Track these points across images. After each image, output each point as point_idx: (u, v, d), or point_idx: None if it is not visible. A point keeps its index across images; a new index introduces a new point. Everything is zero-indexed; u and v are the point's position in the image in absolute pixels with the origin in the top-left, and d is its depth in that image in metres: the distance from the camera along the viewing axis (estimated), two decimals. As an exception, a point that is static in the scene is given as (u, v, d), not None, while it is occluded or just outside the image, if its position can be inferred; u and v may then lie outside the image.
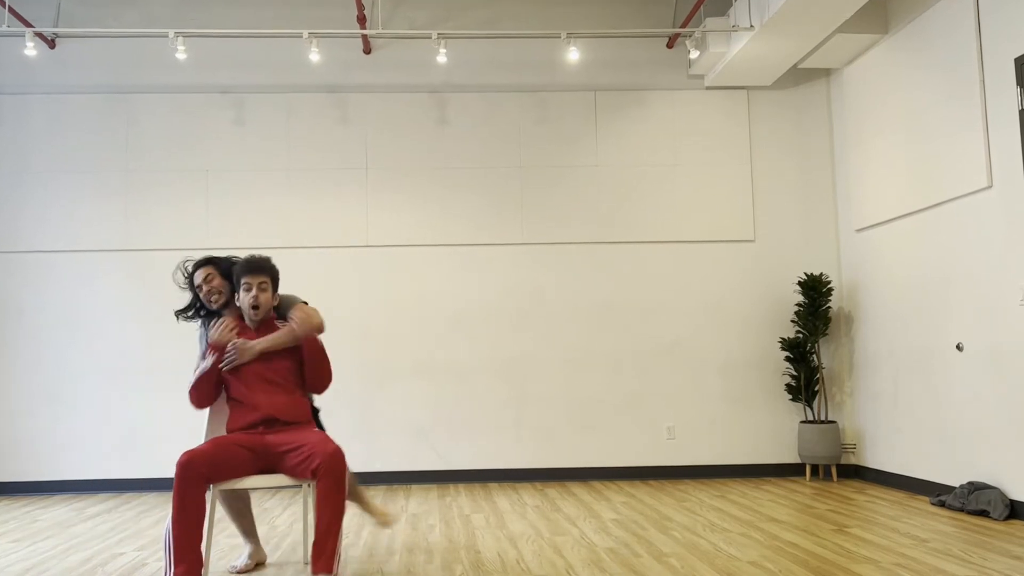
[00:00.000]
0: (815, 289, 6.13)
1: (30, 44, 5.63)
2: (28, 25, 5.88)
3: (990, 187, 4.75)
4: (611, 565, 3.64)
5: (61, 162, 6.32)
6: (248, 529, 3.81)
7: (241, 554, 3.87)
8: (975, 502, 4.64)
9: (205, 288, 3.62)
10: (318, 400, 6.07)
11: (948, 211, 5.13)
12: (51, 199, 6.29)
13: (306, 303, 3.64)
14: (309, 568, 3.15)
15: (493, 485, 6.15)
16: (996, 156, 4.70)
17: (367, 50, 6.45)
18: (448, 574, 3.55)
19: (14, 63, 6.35)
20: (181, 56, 5.67)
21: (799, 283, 6.20)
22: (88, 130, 6.34)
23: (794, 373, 6.32)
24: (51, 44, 6.35)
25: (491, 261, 6.42)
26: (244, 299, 3.50)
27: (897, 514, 4.71)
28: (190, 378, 3.48)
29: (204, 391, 3.44)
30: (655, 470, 6.33)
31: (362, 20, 5.89)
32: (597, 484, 6.13)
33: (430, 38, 6.11)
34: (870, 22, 5.72)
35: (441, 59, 5.82)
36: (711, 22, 6.01)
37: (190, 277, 3.68)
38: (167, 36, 5.85)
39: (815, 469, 6.35)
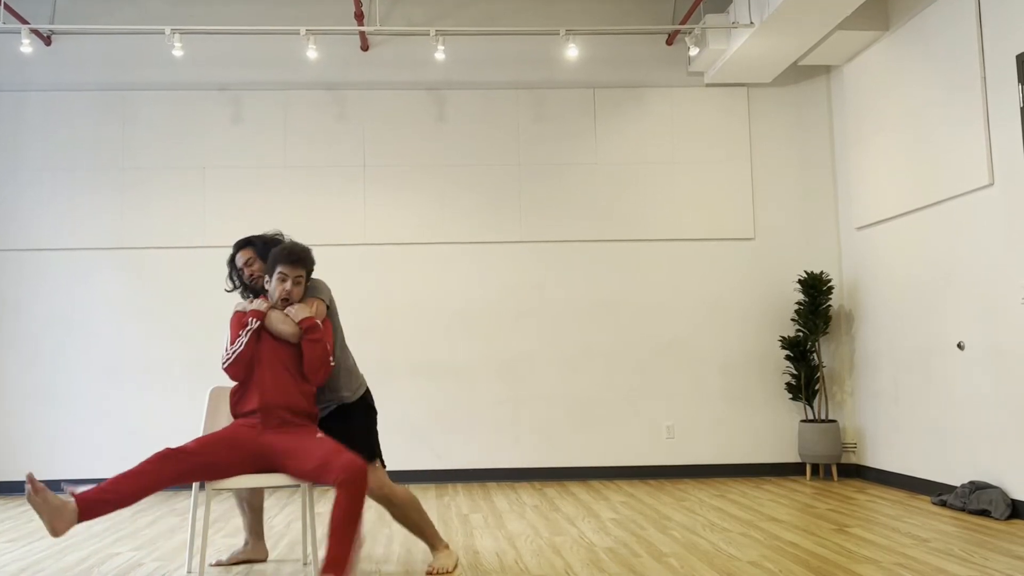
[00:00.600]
0: (815, 287, 6.11)
1: (26, 41, 5.60)
2: (24, 22, 5.85)
3: (991, 185, 4.73)
4: (610, 565, 3.62)
5: (57, 159, 6.29)
6: (254, 526, 3.79)
7: (232, 548, 3.86)
8: (976, 502, 4.62)
9: (247, 272, 3.61)
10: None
11: (949, 209, 5.10)
12: (47, 196, 6.26)
13: (323, 300, 3.54)
14: (319, 566, 3.07)
15: (491, 485, 6.13)
16: (997, 153, 4.68)
17: (365, 47, 6.42)
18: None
19: (10, 60, 6.32)
20: (178, 53, 5.65)
21: (799, 281, 6.18)
22: (84, 127, 6.31)
23: (794, 372, 6.29)
24: (47, 41, 6.32)
25: (489, 259, 6.39)
26: (275, 288, 3.41)
27: (898, 514, 4.69)
28: (226, 354, 3.38)
29: (243, 362, 3.34)
30: (654, 469, 6.31)
31: (359, 17, 5.87)
32: (596, 483, 6.10)
33: (428, 35, 6.08)
34: (871, 19, 5.69)
35: (439, 56, 5.79)
36: (711, 19, 5.98)
37: (232, 256, 3.66)
38: (163, 33, 5.82)
39: (815, 468, 6.32)
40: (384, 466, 3.58)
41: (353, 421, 3.55)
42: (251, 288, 3.66)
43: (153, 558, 3.92)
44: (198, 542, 4.06)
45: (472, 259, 6.39)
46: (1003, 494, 4.55)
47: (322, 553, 3.18)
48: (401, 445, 6.24)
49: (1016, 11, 4.51)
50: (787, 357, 6.22)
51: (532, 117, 6.49)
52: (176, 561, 3.86)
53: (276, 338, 3.39)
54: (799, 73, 6.59)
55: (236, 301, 3.86)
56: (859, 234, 6.17)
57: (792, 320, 6.31)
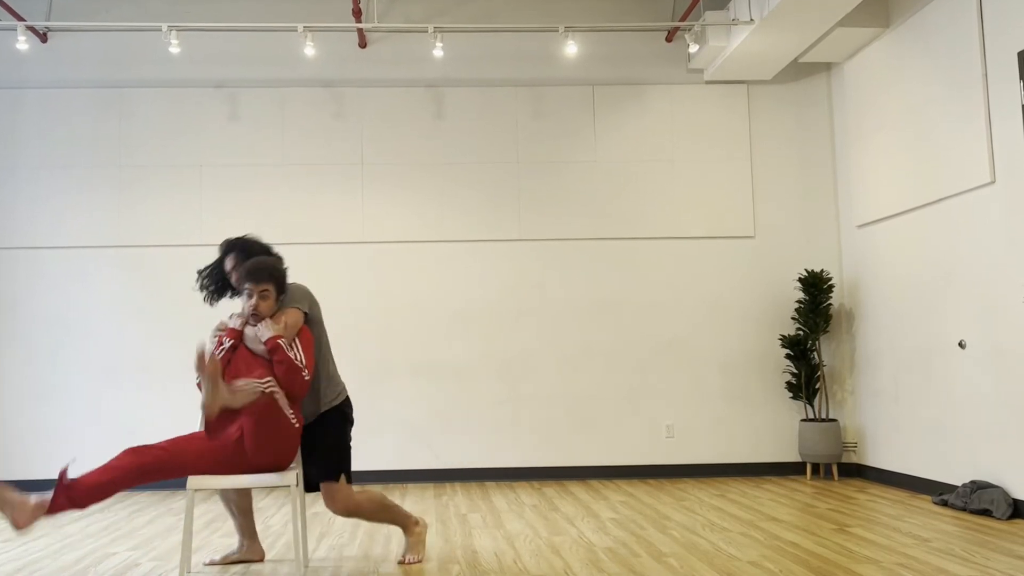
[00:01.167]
0: (816, 286, 6.08)
1: (22, 38, 5.57)
2: (20, 19, 5.82)
3: (993, 182, 4.70)
4: (609, 565, 3.59)
5: (53, 157, 6.26)
6: (246, 527, 3.77)
7: (227, 548, 3.84)
8: (978, 501, 4.60)
9: (234, 276, 3.65)
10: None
11: (950, 207, 5.08)
12: (43, 194, 6.23)
13: (300, 308, 3.53)
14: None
15: (490, 484, 6.10)
16: (998, 151, 4.65)
17: (363, 44, 6.40)
18: (445, 574, 3.51)
19: (5, 57, 6.29)
20: (175, 50, 5.62)
21: (800, 280, 6.15)
22: (81, 125, 6.29)
23: (794, 371, 6.27)
24: (43, 38, 6.29)
25: (488, 257, 6.37)
26: (244, 305, 3.45)
27: (899, 513, 4.67)
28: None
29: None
30: (654, 469, 6.28)
31: (357, 14, 5.84)
32: (595, 483, 6.08)
33: (426, 32, 6.05)
34: (871, 16, 5.67)
35: (437, 53, 5.77)
36: (711, 16, 5.95)
37: (221, 257, 3.71)
38: (160, 30, 5.79)
39: (816, 468, 6.30)
40: (350, 482, 3.60)
41: (326, 430, 3.57)
42: (229, 289, 3.73)
43: (150, 558, 3.90)
44: (194, 542, 4.03)
45: (471, 257, 6.36)
46: (1004, 494, 4.53)
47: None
48: (399, 444, 6.21)
49: (1017, 7, 4.48)
50: (787, 356, 6.20)
51: (531, 114, 6.46)
52: (173, 561, 3.84)
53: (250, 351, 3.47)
54: (799, 70, 6.56)
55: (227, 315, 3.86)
56: (860, 232, 6.15)
57: (792, 319, 6.29)
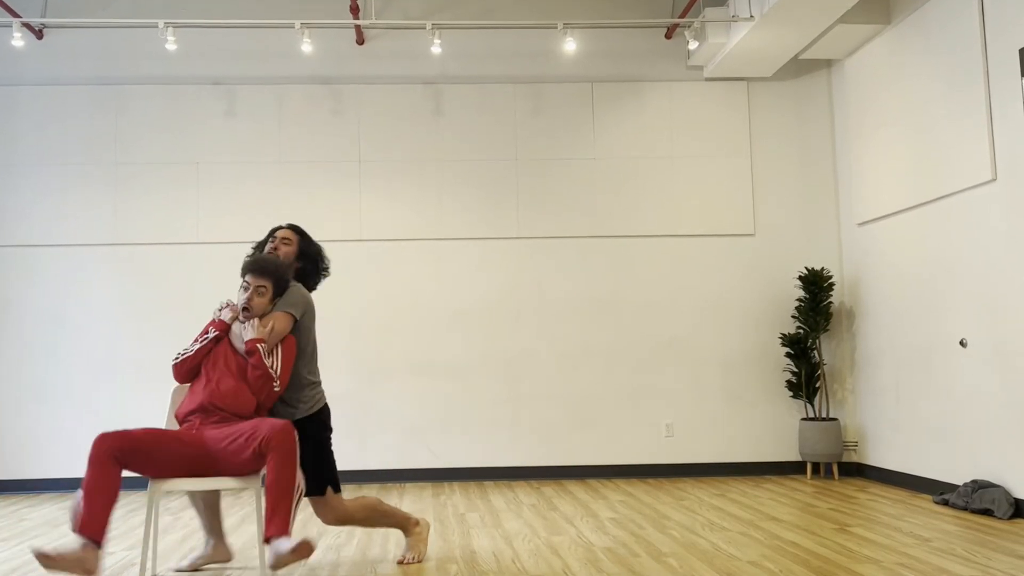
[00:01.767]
0: (816, 284, 6.06)
1: (17, 35, 5.54)
2: (15, 15, 5.79)
3: (994, 180, 4.67)
4: (609, 565, 3.57)
5: (49, 155, 6.22)
6: (213, 526, 3.71)
7: (193, 552, 3.79)
8: (979, 501, 4.57)
9: (274, 246, 3.66)
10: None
11: (951, 205, 5.05)
12: (39, 192, 6.20)
13: (291, 314, 3.51)
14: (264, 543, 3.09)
15: (488, 483, 6.08)
16: (1000, 149, 4.63)
17: (360, 41, 6.36)
18: (443, 574, 3.49)
19: (1, 54, 6.26)
20: (171, 47, 5.59)
21: (800, 278, 6.12)
22: (77, 122, 6.25)
23: (795, 369, 6.24)
24: (39, 35, 6.26)
25: (486, 255, 6.34)
26: (239, 297, 3.47)
27: (900, 513, 4.65)
28: (183, 350, 3.50)
29: (188, 367, 3.46)
30: (653, 468, 6.26)
31: (355, 10, 5.81)
32: (594, 482, 6.05)
33: (424, 28, 6.02)
34: (872, 12, 5.64)
35: (436, 50, 5.74)
36: (710, 12, 5.92)
37: (274, 229, 3.74)
38: (157, 27, 5.76)
39: (816, 467, 6.27)
40: (337, 491, 3.55)
41: (305, 443, 3.48)
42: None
43: (148, 558, 3.87)
44: (189, 542, 3.99)
45: (469, 255, 6.33)
46: (1006, 493, 4.51)
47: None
48: (397, 444, 6.18)
49: (1018, 4, 4.45)
50: (787, 354, 6.17)
51: (529, 112, 6.43)
52: (170, 560, 3.81)
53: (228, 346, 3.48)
54: (800, 67, 6.53)
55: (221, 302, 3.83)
56: (860, 230, 6.12)
57: (793, 317, 6.26)
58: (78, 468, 6.04)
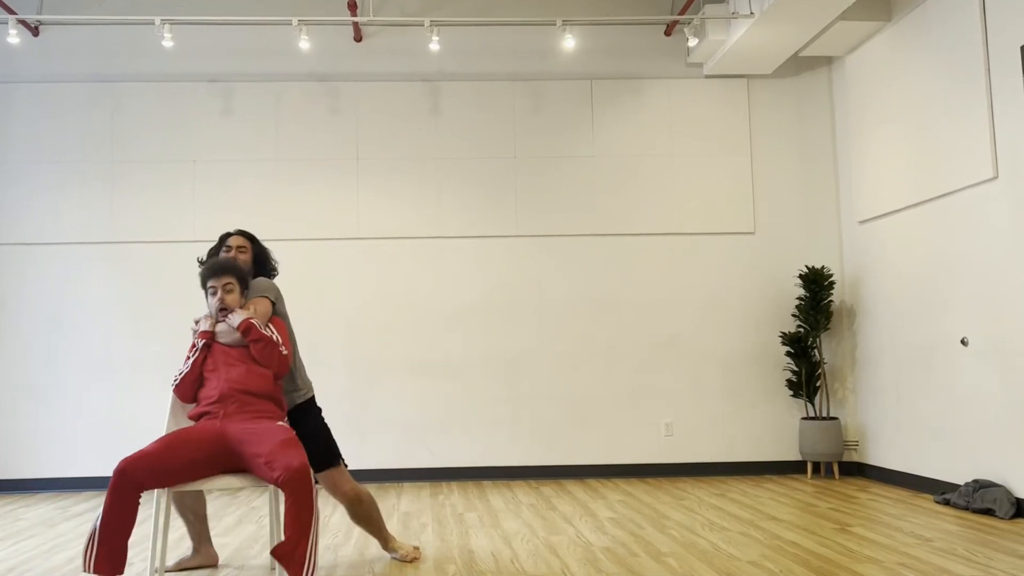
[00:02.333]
0: (816, 282, 6.03)
1: (13, 32, 5.51)
2: (11, 12, 5.76)
3: (996, 178, 4.65)
4: (608, 565, 3.55)
5: (45, 152, 6.19)
6: (200, 532, 3.68)
7: (178, 555, 3.77)
8: (980, 500, 4.55)
9: (235, 253, 3.67)
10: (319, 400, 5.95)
11: (953, 202, 5.02)
12: (34, 190, 6.17)
13: (267, 298, 3.53)
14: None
15: (487, 483, 6.05)
16: (1002, 146, 4.60)
17: (358, 38, 6.33)
18: (441, 574, 3.47)
19: (-3, 51, 6.23)
20: (168, 44, 5.55)
21: (800, 276, 6.10)
22: (73, 119, 6.22)
23: (795, 368, 6.22)
24: (35, 32, 6.23)
25: (485, 254, 6.31)
26: (211, 304, 3.46)
27: (900, 512, 4.63)
28: (177, 372, 3.46)
29: (189, 383, 3.42)
30: (653, 468, 6.23)
31: (353, 7, 5.78)
32: (593, 482, 6.03)
33: (422, 25, 5.99)
34: (873, 9, 5.61)
35: (434, 47, 5.70)
36: (710, 9, 5.89)
37: (224, 237, 3.74)
38: (153, 23, 5.72)
39: (816, 467, 6.25)
40: (346, 465, 3.68)
41: (308, 421, 3.60)
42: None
43: (142, 558, 3.85)
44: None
45: (467, 253, 6.30)
46: (1007, 493, 4.48)
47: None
48: (395, 443, 6.15)
49: (1020, 1, 4.43)
50: (788, 353, 6.14)
51: (528, 109, 6.40)
52: (167, 560, 3.77)
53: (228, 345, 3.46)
54: (800, 64, 6.50)
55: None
56: (861, 228, 6.09)
57: (793, 316, 6.23)
58: (74, 468, 6.01)
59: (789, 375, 6.31)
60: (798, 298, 6.16)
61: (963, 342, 4.89)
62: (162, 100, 6.27)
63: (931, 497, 5.10)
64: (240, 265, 3.53)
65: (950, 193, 5.04)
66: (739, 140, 6.44)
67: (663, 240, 6.38)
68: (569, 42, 5.79)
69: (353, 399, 6.14)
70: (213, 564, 3.72)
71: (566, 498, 5.32)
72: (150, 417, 6.08)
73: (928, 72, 5.21)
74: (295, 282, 6.15)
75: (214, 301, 3.44)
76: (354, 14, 5.84)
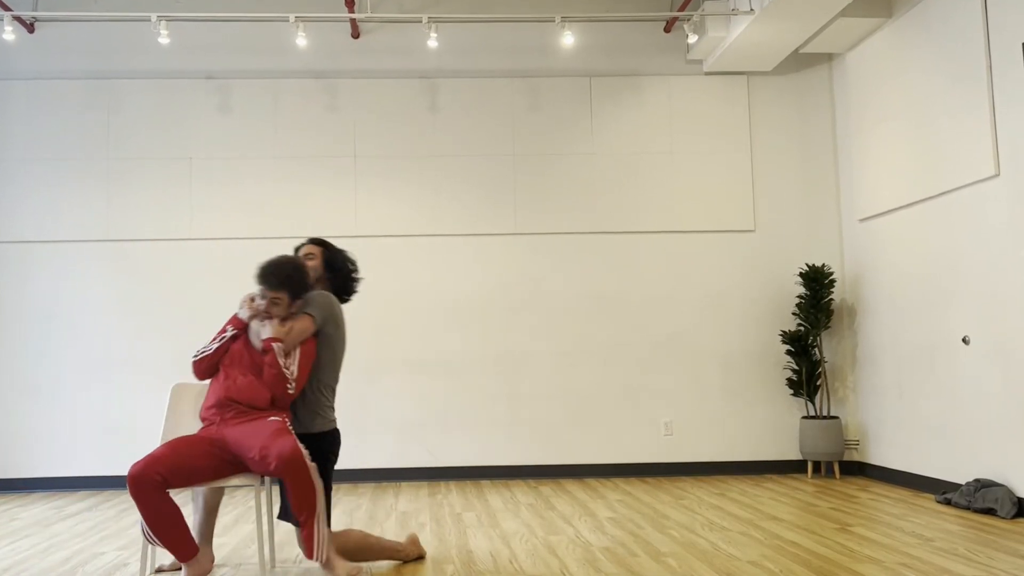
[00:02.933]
0: (817, 280, 6.01)
1: (8, 28, 5.50)
2: (7, 8, 5.72)
3: (997, 175, 4.62)
4: (607, 565, 3.53)
5: (41, 150, 6.16)
6: (205, 530, 3.63)
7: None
8: (982, 500, 4.53)
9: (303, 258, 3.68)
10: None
11: (954, 200, 5.00)
12: (31, 188, 6.14)
13: (311, 316, 3.47)
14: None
15: (485, 483, 6.03)
16: (1003, 144, 4.57)
17: (356, 35, 6.30)
18: (439, 574, 3.45)
19: (-7, 48, 6.20)
20: (164, 41, 5.52)
21: (800, 274, 6.07)
22: (69, 117, 6.19)
23: (795, 367, 6.19)
24: (30, 28, 6.20)
25: (483, 252, 6.28)
26: (258, 303, 3.49)
27: (901, 512, 4.61)
28: (201, 347, 3.52)
29: (207, 363, 3.48)
30: (652, 467, 6.21)
31: (350, 4, 5.75)
32: (593, 481, 6.01)
33: (420, 22, 5.96)
34: (873, 6, 5.59)
35: (432, 44, 5.67)
36: (710, 6, 5.86)
37: (297, 248, 3.75)
38: (150, 20, 5.70)
39: (817, 466, 6.23)
40: (328, 524, 3.43)
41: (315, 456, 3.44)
42: None
43: (138, 558, 3.83)
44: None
45: (466, 251, 6.28)
46: (1009, 492, 4.46)
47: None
48: (393, 442, 6.13)
49: (1024, -5, 4.40)
50: (788, 352, 6.12)
51: (527, 106, 6.37)
52: (162, 560, 3.76)
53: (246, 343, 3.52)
54: (800, 61, 6.47)
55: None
56: (862, 226, 6.06)
57: (793, 314, 6.21)
58: (71, 467, 5.99)
59: (789, 374, 6.28)
60: (798, 296, 6.14)
61: (964, 340, 4.87)
62: (159, 97, 6.24)
63: (932, 497, 5.08)
64: (297, 276, 3.44)
65: (951, 191, 5.02)
66: (739, 137, 6.41)
67: (662, 238, 6.35)
68: (568, 39, 5.76)
69: (351, 398, 6.12)
70: (207, 571, 3.64)
71: (565, 498, 5.29)
72: (148, 416, 6.06)
73: (929, 69, 5.18)
74: (293, 280, 6.13)
75: (261, 303, 3.45)
76: (352, 11, 5.81)
